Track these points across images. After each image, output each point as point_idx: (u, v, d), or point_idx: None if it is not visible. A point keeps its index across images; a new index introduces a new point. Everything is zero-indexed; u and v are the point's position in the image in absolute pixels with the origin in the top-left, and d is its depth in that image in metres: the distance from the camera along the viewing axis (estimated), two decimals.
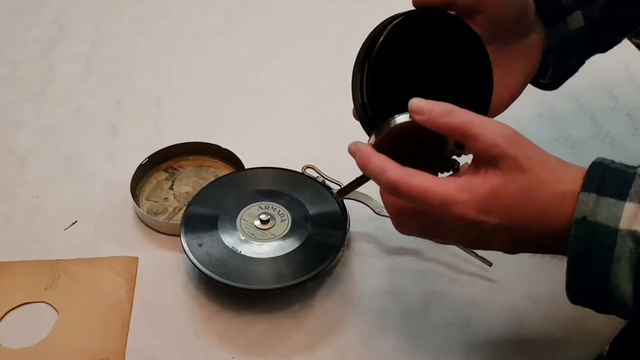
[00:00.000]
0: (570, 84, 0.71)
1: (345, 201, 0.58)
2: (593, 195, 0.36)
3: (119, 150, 0.67)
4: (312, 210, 0.57)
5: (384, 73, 0.44)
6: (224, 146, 0.64)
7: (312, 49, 0.80)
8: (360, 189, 0.58)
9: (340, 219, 0.56)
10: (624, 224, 0.36)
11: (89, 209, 0.61)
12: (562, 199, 0.37)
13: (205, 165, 0.64)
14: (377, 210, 0.58)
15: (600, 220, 0.36)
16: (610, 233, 0.36)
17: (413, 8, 0.46)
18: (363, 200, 0.58)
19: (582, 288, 0.38)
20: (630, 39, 1.31)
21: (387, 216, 0.57)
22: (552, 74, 0.54)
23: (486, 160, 0.39)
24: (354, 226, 0.58)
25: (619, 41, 0.59)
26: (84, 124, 0.71)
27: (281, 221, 0.56)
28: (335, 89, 0.72)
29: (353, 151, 0.43)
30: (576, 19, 0.52)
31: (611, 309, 0.39)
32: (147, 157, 0.63)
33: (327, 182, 0.60)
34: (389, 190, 0.40)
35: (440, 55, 0.45)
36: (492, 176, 0.38)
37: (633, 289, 0.36)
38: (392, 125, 0.42)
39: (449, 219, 0.39)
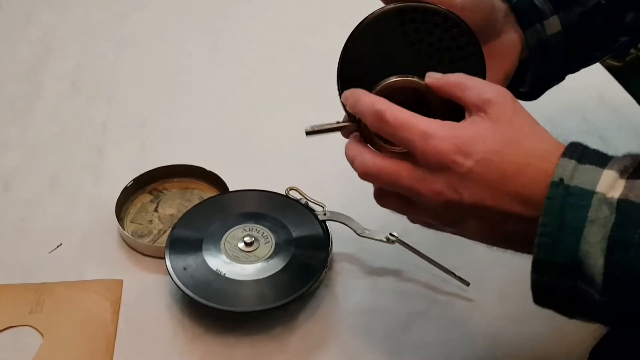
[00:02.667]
0: (545, 107, 0.73)
1: (327, 223, 0.59)
2: (573, 162, 0.37)
3: (104, 171, 0.68)
4: (295, 232, 0.58)
5: (362, 61, 0.46)
6: (208, 168, 0.65)
7: (297, 71, 0.82)
8: (343, 211, 0.60)
9: (323, 241, 0.58)
10: (601, 188, 0.36)
11: (74, 231, 0.61)
12: (541, 158, 0.38)
13: (190, 187, 0.65)
14: (358, 232, 0.59)
15: (577, 184, 0.36)
16: (585, 195, 0.36)
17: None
18: (345, 222, 0.60)
19: (550, 262, 0.37)
20: (603, 61, 1.35)
21: (368, 237, 0.59)
22: (531, 79, 0.55)
23: (476, 107, 0.40)
24: (336, 247, 0.59)
25: (599, 57, 0.61)
26: (69, 145, 0.71)
27: (265, 243, 0.57)
28: (319, 111, 0.74)
29: (347, 95, 0.45)
30: (553, 24, 0.54)
31: (578, 297, 0.37)
32: (132, 180, 0.63)
33: (310, 204, 0.61)
34: (375, 118, 0.41)
35: (429, 47, 0.47)
36: (478, 120, 0.39)
37: (604, 262, 0.35)
38: (387, 82, 0.44)
39: (427, 155, 0.39)
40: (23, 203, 0.64)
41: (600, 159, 0.37)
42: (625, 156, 0.38)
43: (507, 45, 0.52)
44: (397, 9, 0.46)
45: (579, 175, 0.36)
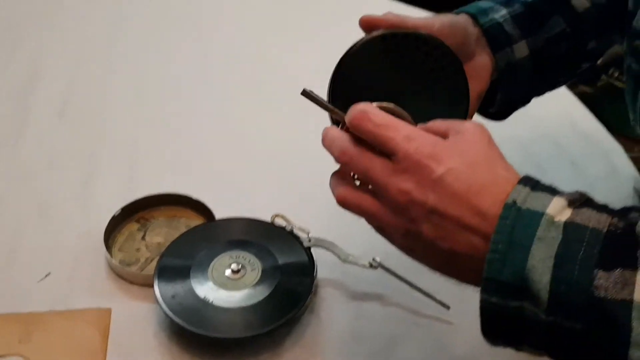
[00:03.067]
0: (520, 134, 0.77)
1: (312, 249, 0.61)
2: (527, 189, 0.39)
3: (92, 200, 0.69)
4: (281, 259, 0.59)
5: (351, 86, 0.48)
6: (195, 196, 0.66)
7: (282, 99, 0.84)
8: (327, 237, 0.61)
9: (308, 267, 0.59)
10: (550, 211, 0.38)
11: (62, 260, 0.62)
12: (506, 181, 0.40)
13: (177, 215, 0.67)
14: (342, 257, 0.61)
15: (529, 207, 0.38)
16: (535, 217, 0.38)
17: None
18: (329, 248, 0.61)
19: (498, 280, 0.38)
20: (576, 88, 1.39)
21: (352, 263, 0.61)
22: (500, 100, 0.59)
23: (456, 131, 0.42)
24: (321, 273, 0.60)
25: (563, 82, 0.64)
26: (57, 174, 0.72)
27: (251, 270, 0.58)
28: (302, 138, 0.76)
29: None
30: (522, 48, 0.57)
31: (524, 321, 0.38)
32: (120, 209, 0.65)
33: (296, 231, 0.63)
34: (361, 116, 0.42)
35: (414, 70, 0.49)
36: (458, 138, 0.42)
37: (551, 278, 0.37)
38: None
39: (407, 154, 0.41)
40: (11, 232, 0.65)
41: (552, 190, 0.40)
42: (574, 192, 0.40)
43: (480, 67, 0.56)
44: (381, 37, 0.49)
45: (531, 200, 0.39)
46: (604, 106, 1.28)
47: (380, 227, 0.44)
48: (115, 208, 0.64)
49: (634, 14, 0.54)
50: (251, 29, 0.98)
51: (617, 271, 0.36)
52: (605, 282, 0.36)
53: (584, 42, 0.60)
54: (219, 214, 0.65)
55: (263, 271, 0.58)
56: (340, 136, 0.44)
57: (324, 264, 0.61)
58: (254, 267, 0.59)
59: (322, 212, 0.67)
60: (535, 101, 0.65)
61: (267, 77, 0.88)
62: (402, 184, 0.41)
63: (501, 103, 0.59)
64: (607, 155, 0.76)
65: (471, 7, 0.58)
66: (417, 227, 0.41)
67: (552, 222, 0.38)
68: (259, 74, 0.89)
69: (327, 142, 0.45)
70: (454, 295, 0.58)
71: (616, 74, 1.57)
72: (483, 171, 0.40)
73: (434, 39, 0.50)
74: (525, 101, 0.63)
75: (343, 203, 0.44)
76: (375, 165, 0.42)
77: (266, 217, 0.64)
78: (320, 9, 1.04)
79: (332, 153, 0.44)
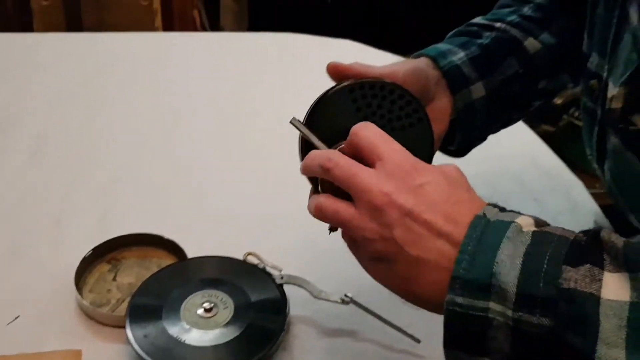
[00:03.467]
0: (485, 172, 0.79)
1: (284, 286, 0.61)
2: (496, 209, 0.42)
3: (63, 241, 0.69)
4: (253, 297, 0.60)
5: (322, 135, 0.49)
6: (167, 236, 0.66)
7: (253, 138, 0.85)
8: (300, 273, 0.62)
9: (280, 304, 0.60)
10: (519, 222, 0.40)
11: (32, 302, 0.61)
12: (479, 201, 0.43)
13: (148, 256, 0.67)
14: (314, 294, 0.61)
15: (498, 219, 0.41)
16: (505, 224, 0.40)
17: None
18: (301, 285, 0.62)
19: (466, 277, 0.39)
20: (537, 128, 1.44)
21: (324, 299, 0.61)
22: (459, 138, 0.61)
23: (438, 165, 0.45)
24: (294, 310, 0.61)
25: (516, 119, 0.68)
26: (28, 215, 0.72)
27: (224, 308, 0.59)
28: (273, 176, 0.78)
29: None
30: (478, 89, 0.60)
31: (488, 325, 0.38)
32: (91, 250, 0.64)
33: (268, 269, 0.63)
34: (352, 139, 0.45)
35: (382, 118, 0.51)
36: (441, 167, 0.45)
37: (519, 272, 0.37)
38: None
39: (392, 162, 0.43)
40: None
41: (519, 212, 0.42)
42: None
43: (440, 108, 0.58)
44: (348, 87, 0.51)
45: (501, 216, 0.41)
46: (566, 144, 1.33)
47: (352, 238, 0.45)
48: (86, 249, 0.64)
49: (588, 56, 0.57)
50: (226, 72, 1.00)
51: (586, 266, 0.37)
52: (574, 274, 0.37)
53: (536, 82, 0.64)
54: (191, 252, 0.65)
55: (235, 309, 0.59)
56: (324, 151, 0.47)
57: (297, 301, 0.61)
58: (226, 305, 0.59)
59: (294, 250, 0.68)
60: (499, 140, 0.68)
61: (237, 118, 0.90)
62: (385, 186, 0.42)
63: (460, 141, 0.62)
64: (568, 191, 0.79)
65: (430, 49, 0.61)
66: (389, 232, 0.41)
67: (520, 229, 0.40)
68: (230, 114, 0.90)
69: (309, 160, 0.46)
70: (424, 329, 0.59)
71: (576, 114, 1.64)
72: (461, 190, 0.43)
73: (399, 88, 0.52)
74: (482, 138, 0.65)
75: (320, 210, 0.45)
76: (360, 170, 0.44)
77: (238, 255, 0.64)
78: (297, 59, 1.07)
79: (316, 164, 0.46)
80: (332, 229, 0.48)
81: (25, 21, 1.41)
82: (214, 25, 1.79)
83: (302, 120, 0.51)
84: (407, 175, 0.42)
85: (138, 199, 0.75)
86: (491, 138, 0.67)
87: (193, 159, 0.82)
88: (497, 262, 0.38)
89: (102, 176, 0.78)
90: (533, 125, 1.85)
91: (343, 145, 0.47)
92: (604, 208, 0.77)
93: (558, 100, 1.72)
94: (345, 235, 0.46)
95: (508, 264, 0.38)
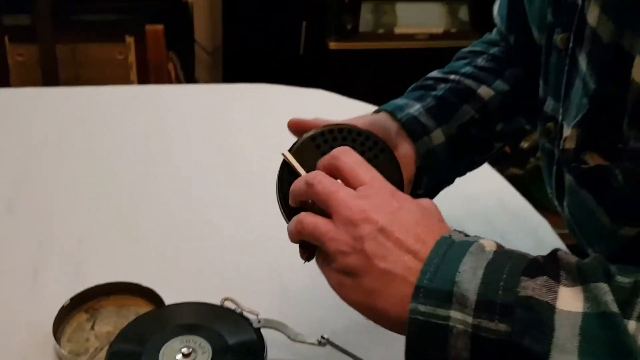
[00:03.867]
0: (454, 212, 0.82)
1: (262, 330, 0.62)
2: (462, 234, 0.45)
3: (41, 291, 0.69)
4: (231, 341, 0.60)
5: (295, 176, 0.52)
6: (144, 283, 0.67)
7: (226, 183, 0.87)
8: (277, 317, 0.63)
9: (258, 348, 0.60)
10: (482, 242, 0.43)
11: (10, 353, 0.61)
12: (448, 228, 0.46)
13: (126, 304, 0.67)
14: (292, 337, 0.62)
15: (463, 239, 0.44)
16: (468, 242, 0.43)
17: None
18: (279, 328, 0.63)
19: (429, 287, 0.41)
20: (505, 171, 1.48)
21: (301, 341, 0.62)
22: (426, 183, 0.64)
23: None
24: (271, 353, 0.61)
25: (479, 161, 0.71)
26: (4, 266, 0.72)
27: (202, 353, 0.59)
28: (248, 223, 0.79)
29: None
30: (437, 135, 0.64)
31: (449, 334, 0.40)
32: (69, 299, 0.65)
33: (245, 313, 0.64)
34: (330, 161, 0.48)
35: None
36: (411, 197, 0.48)
37: (480, 281, 0.40)
38: None
39: (371, 185, 0.46)
40: None
41: (482, 238, 0.45)
42: None
43: (404, 156, 0.61)
44: (310, 137, 0.54)
45: (465, 239, 0.44)
46: (534, 186, 1.38)
47: (326, 253, 0.46)
48: (64, 298, 0.65)
49: (544, 100, 0.61)
50: (201, 123, 1.03)
51: (542, 277, 0.40)
52: (531, 283, 0.39)
53: (492, 126, 0.68)
54: (169, 299, 0.66)
55: (214, 354, 0.59)
56: (310, 173, 0.49)
57: (274, 344, 0.62)
58: (204, 350, 0.59)
59: (271, 294, 0.69)
60: (469, 183, 0.70)
61: (212, 167, 0.92)
62: (363, 204, 0.45)
63: (427, 185, 0.64)
64: (535, 230, 0.82)
65: (388, 105, 0.65)
66: (361, 245, 0.44)
67: (483, 248, 0.43)
68: (206, 164, 0.92)
69: (296, 182, 0.49)
70: None
71: None
72: (433, 219, 0.46)
73: (356, 128, 0.55)
74: (449, 181, 0.68)
75: (300, 223, 0.47)
76: (342, 188, 0.46)
77: (216, 300, 0.65)
78: (270, 109, 1.10)
79: (302, 182, 0.48)
80: (307, 258, 0.50)
81: (2, 76, 1.43)
82: (189, 77, 1.82)
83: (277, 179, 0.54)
84: (385, 199, 0.46)
85: (114, 248, 0.76)
86: (461, 181, 0.69)
87: (169, 207, 0.83)
88: (460, 272, 0.41)
89: (78, 225, 0.79)
90: (502, 168, 1.90)
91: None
92: (570, 247, 0.79)
93: (525, 144, 1.78)
94: (319, 254, 0.48)
95: (470, 274, 0.40)
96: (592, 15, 0.49)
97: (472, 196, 0.85)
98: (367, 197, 0.46)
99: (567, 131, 0.54)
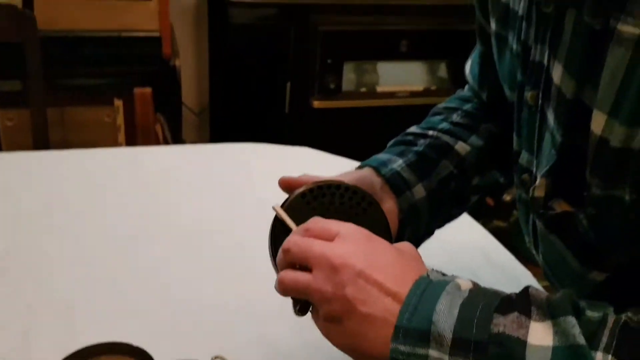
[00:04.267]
0: (440, 266, 0.83)
1: None
2: (440, 274, 0.47)
3: (32, 353, 0.68)
4: None
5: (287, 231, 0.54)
6: (135, 343, 0.67)
7: (215, 242, 0.88)
8: None
9: None
10: (458, 281, 0.45)
11: None
12: (425, 269, 0.48)
13: None
14: None
15: (440, 279, 0.46)
16: (444, 282, 0.45)
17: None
18: None
19: (408, 327, 0.44)
20: (489, 224, 1.50)
21: None
22: (408, 235, 0.66)
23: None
24: None
25: (457, 214, 0.73)
26: None
27: None
28: (236, 281, 0.80)
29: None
30: (419, 190, 0.66)
31: None
32: None
33: None
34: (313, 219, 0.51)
35: (337, 211, 0.56)
36: (394, 244, 0.50)
37: (455, 320, 0.42)
38: None
39: (351, 232, 0.49)
40: None
41: (459, 277, 0.48)
42: None
43: (388, 211, 0.63)
44: (300, 194, 0.57)
45: (443, 278, 0.47)
46: (517, 238, 1.40)
47: (314, 304, 0.49)
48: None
49: (519, 153, 0.64)
50: (189, 183, 1.05)
51: (514, 314, 0.42)
52: (503, 320, 0.42)
53: (469, 180, 0.71)
54: (160, 358, 0.66)
55: None
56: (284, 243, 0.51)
57: None
58: None
59: (261, 353, 0.69)
60: (453, 238, 0.73)
61: (201, 227, 0.93)
62: (340, 250, 0.47)
63: (409, 238, 0.67)
64: (518, 281, 0.84)
65: (372, 160, 0.68)
66: (342, 290, 0.46)
67: (459, 287, 0.45)
68: (195, 224, 0.94)
69: (278, 260, 0.51)
70: None
71: None
72: (412, 261, 0.48)
73: (343, 183, 0.58)
74: (429, 233, 0.71)
75: (282, 282, 0.49)
76: (317, 243, 0.48)
77: (206, 358, 0.65)
78: (257, 168, 1.13)
79: (280, 255, 0.51)
80: (300, 312, 0.52)
81: None
82: (177, 139, 1.85)
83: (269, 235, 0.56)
84: (361, 243, 0.48)
85: (105, 308, 0.76)
86: (446, 236, 0.72)
87: (158, 267, 0.84)
88: (436, 312, 0.43)
89: (68, 287, 0.79)
90: (485, 221, 1.93)
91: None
92: None
93: (507, 197, 1.81)
94: (312, 306, 0.50)
95: (446, 313, 0.43)
96: (557, 74, 0.53)
97: (456, 250, 0.87)
98: (342, 244, 0.48)
99: (538, 180, 0.57)
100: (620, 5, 0.44)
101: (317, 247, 0.48)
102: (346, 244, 0.48)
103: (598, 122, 0.47)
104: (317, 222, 0.51)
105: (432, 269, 0.48)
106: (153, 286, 0.81)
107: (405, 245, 0.50)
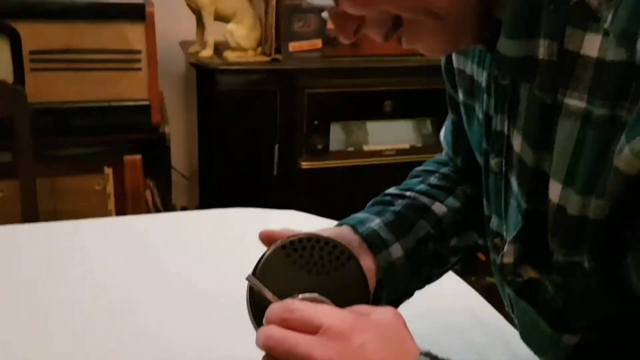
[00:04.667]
0: (427, 328, 0.83)
1: None
2: (429, 357, 0.47)
3: None
4: None
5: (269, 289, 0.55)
6: None
7: (205, 310, 0.88)
8: None
9: None
10: None
11: None
12: (412, 355, 0.48)
13: None
14: None
15: (441, 356, 0.47)
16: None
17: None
18: None
19: None
20: (481, 281, 1.50)
21: None
22: (386, 295, 0.66)
23: (374, 310, 0.51)
24: None
25: (438, 274, 0.74)
26: None
27: None
28: (231, 340, 0.80)
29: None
30: (396, 249, 0.67)
31: None
32: None
33: None
34: (284, 306, 0.50)
35: (316, 264, 0.57)
36: (376, 315, 0.50)
37: None
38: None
39: (330, 326, 0.47)
40: None
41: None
42: None
43: (365, 268, 0.64)
44: (280, 246, 0.58)
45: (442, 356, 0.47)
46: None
47: None
48: None
49: (490, 217, 0.65)
50: (179, 250, 1.05)
51: None
52: None
53: (447, 240, 0.72)
54: None
55: None
56: (264, 328, 0.49)
57: None
58: None
59: None
60: (440, 298, 0.73)
61: (194, 293, 0.93)
62: (327, 352, 0.46)
63: (388, 298, 0.67)
64: (508, 342, 0.83)
65: (350, 219, 0.69)
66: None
67: None
68: (188, 291, 0.93)
69: (258, 345, 0.50)
70: None
71: None
72: (398, 344, 0.48)
73: (323, 237, 0.59)
74: (409, 294, 0.71)
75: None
76: (301, 341, 0.47)
77: None
78: (246, 232, 1.14)
79: (258, 344, 0.49)
80: None
81: None
82: (166, 203, 1.86)
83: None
84: (346, 338, 0.47)
85: None
86: (433, 297, 0.72)
87: (150, 333, 0.83)
88: None
89: (58, 356, 0.79)
90: (478, 278, 1.92)
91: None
92: None
93: None
94: None
95: None
96: (517, 142, 0.55)
97: (444, 311, 0.87)
98: (329, 342, 0.47)
99: (506, 246, 0.58)
100: (565, 81, 0.47)
101: (302, 347, 0.46)
102: (330, 342, 0.47)
103: (555, 190, 0.49)
104: (296, 310, 0.49)
105: (422, 353, 0.48)
106: (146, 355, 0.80)
107: (390, 323, 0.49)
